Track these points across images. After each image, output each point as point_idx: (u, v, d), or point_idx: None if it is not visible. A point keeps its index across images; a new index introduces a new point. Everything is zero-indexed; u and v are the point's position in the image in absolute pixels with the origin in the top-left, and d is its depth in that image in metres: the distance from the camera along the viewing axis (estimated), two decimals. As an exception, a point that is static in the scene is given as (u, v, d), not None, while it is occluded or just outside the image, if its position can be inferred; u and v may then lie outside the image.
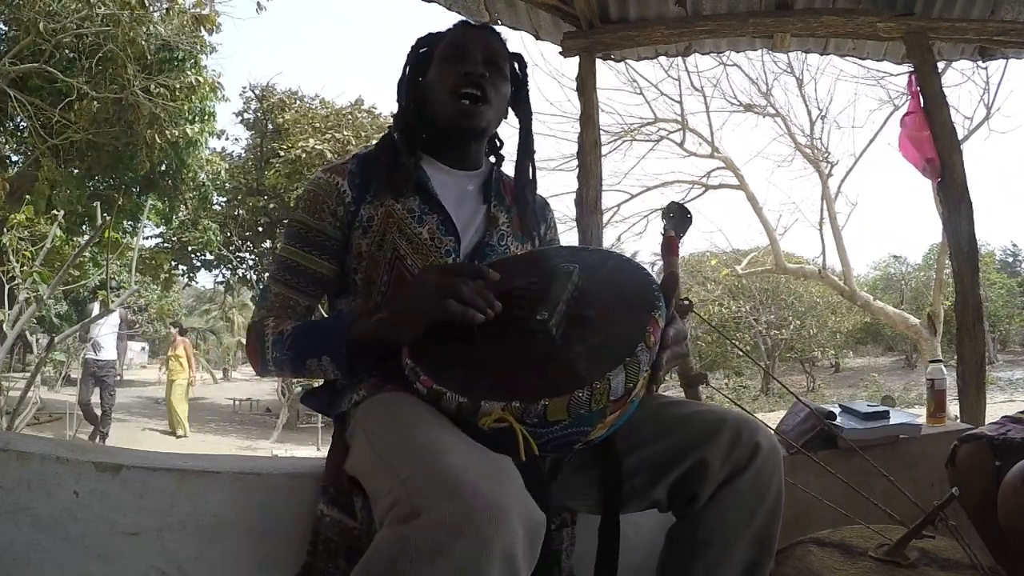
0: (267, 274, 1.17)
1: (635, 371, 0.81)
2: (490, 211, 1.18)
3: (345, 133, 11.67)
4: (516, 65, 1.23)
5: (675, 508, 1.01)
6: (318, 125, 12.09)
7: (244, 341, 1.19)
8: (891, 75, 7.73)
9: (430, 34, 1.23)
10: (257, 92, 13.29)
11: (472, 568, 0.62)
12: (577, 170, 2.58)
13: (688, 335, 0.98)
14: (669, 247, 1.06)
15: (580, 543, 1.09)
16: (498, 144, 1.28)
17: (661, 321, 0.86)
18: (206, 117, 8.56)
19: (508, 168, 1.28)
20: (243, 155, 13.68)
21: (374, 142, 1.22)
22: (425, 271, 1.01)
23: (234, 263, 13.79)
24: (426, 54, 1.20)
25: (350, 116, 12.60)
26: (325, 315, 1.21)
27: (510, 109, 1.24)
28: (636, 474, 0.99)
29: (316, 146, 11.26)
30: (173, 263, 13.08)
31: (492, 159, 1.28)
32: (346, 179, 1.12)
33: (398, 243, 1.09)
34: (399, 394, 0.94)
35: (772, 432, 1.00)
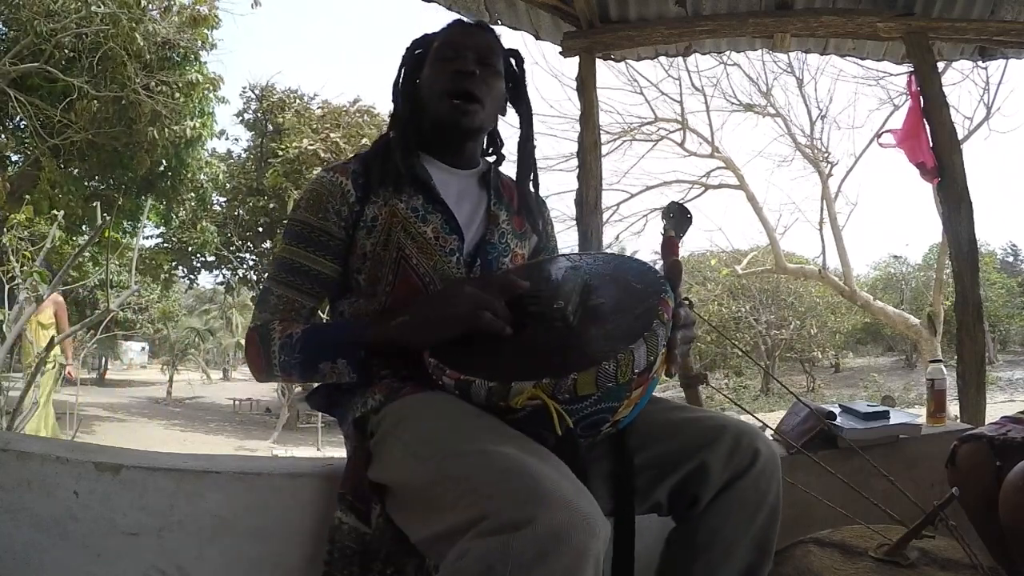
0: (267, 275, 1.15)
1: (654, 344, 0.84)
2: (490, 208, 1.17)
3: (333, 135, 11.66)
4: (513, 61, 1.22)
5: (675, 511, 1.03)
6: (315, 125, 12.09)
7: (243, 343, 1.17)
8: (891, 75, 7.77)
9: (425, 35, 1.21)
10: (257, 92, 13.29)
11: (571, 574, 0.66)
12: (577, 170, 2.58)
13: (696, 321, 1.02)
14: (669, 247, 1.06)
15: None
16: (499, 142, 1.28)
17: (671, 301, 0.90)
18: (205, 116, 8.56)
19: (510, 166, 1.27)
20: (243, 155, 13.68)
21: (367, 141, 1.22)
22: (460, 282, 1.03)
23: (234, 263, 13.79)
24: (420, 55, 1.19)
25: (346, 115, 12.58)
26: (325, 318, 1.20)
27: (509, 106, 1.23)
28: (638, 475, 1.00)
29: (309, 147, 11.26)
30: (173, 263, 13.07)
31: (491, 158, 1.27)
32: (349, 178, 1.10)
33: (403, 242, 1.08)
34: (426, 396, 0.94)
35: (771, 439, 1.04)
